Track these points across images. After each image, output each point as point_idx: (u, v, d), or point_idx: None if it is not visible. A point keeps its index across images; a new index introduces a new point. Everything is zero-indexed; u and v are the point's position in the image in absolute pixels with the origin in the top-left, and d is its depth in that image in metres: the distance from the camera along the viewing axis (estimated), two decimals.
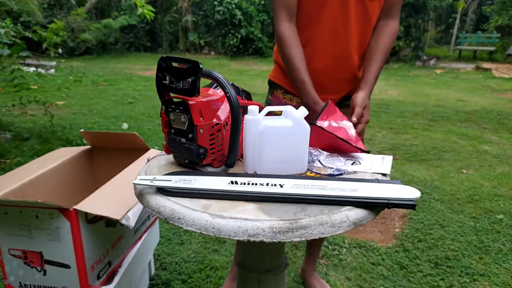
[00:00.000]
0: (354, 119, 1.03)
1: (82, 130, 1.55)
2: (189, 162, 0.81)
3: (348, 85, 1.25)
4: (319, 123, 0.95)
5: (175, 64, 0.74)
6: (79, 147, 1.56)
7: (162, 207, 0.65)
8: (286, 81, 1.26)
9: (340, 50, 1.15)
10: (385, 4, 1.15)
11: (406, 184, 0.68)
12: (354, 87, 1.24)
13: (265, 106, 0.82)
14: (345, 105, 1.26)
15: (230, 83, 0.77)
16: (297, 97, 1.26)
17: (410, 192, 0.66)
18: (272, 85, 1.33)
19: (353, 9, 1.10)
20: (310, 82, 1.10)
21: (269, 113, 0.79)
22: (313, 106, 1.09)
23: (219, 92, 0.84)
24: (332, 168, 0.83)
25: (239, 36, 11.20)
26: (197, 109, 0.75)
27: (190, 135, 0.76)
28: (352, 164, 0.86)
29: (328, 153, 0.93)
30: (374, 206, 0.65)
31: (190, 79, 0.71)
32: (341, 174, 0.80)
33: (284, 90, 1.28)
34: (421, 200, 2.39)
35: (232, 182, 0.70)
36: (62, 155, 1.45)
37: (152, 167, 0.84)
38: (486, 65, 9.39)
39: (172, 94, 0.78)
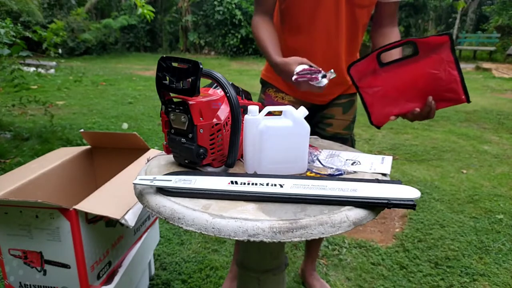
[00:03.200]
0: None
1: (82, 130, 1.55)
2: (189, 162, 0.81)
3: (338, 88, 1.27)
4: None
5: (175, 64, 0.74)
6: (79, 147, 1.56)
7: (162, 207, 0.65)
8: (278, 79, 1.26)
9: (331, 56, 1.16)
10: (386, 13, 1.17)
11: (406, 184, 0.68)
12: (343, 89, 1.28)
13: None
14: (334, 104, 1.27)
15: (230, 83, 0.77)
16: (289, 96, 1.27)
17: (410, 192, 0.66)
18: (264, 83, 1.33)
19: (344, 16, 1.11)
20: (274, 48, 1.05)
21: (269, 113, 0.79)
22: (284, 68, 0.97)
23: (219, 92, 0.84)
24: (332, 168, 0.83)
25: (239, 36, 11.20)
26: (197, 109, 0.75)
27: (190, 135, 0.76)
28: (352, 164, 0.86)
29: (328, 153, 0.93)
30: (374, 206, 0.65)
31: (190, 79, 0.71)
32: (341, 174, 0.80)
33: (276, 88, 1.28)
34: (421, 200, 2.39)
35: (232, 182, 0.70)
36: (62, 155, 1.45)
37: (152, 167, 0.84)
38: (486, 65, 9.38)
39: (172, 94, 0.78)
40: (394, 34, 1.19)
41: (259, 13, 1.14)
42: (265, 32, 1.10)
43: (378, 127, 1.00)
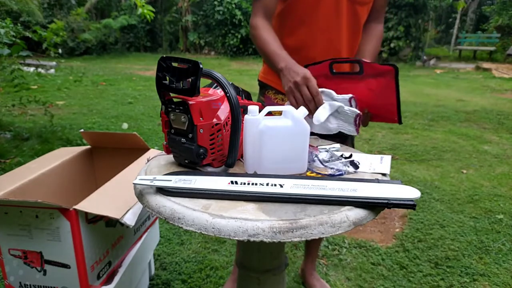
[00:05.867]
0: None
1: (82, 130, 1.55)
2: (189, 162, 0.81)
3: None
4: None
5: (175, 64, 0.74)
6: (79, 147, 1.56)
7: (162, 207, 0.65)
8: (277, 81, 1.26)
9: (331, 52, 1.16)
10: (374, 7, 1.18)
11: (406, 184, 0.68)
12: None
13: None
14: None
15: (230, 83, 0.77)
16: None
17: (410, 192, 0.65)
18: (263, 86, 1.33)
19: (345, 12, 1.12)
20: (284, 51, 1.06)
21: (269, 113, 0.79)
22: (294, 68, 0.99)
23: (219, 92, 0.84)
24: (332, 168, 0.83)
25: (239, 36, 11.21)
26: (197, 109, 0.75)
27: (190, 135, 0.76)
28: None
29: (328, 153, 0.93)
30: (374, 206, 0.65)
31: (190, 79, 0.71)
32: (341, 174, 0.80)
33: (276, 90, 1.28)
34: (421, 200, 2.39)
35: (232, 182, 0.70)
36: (62, 155, 1.45)
37: (152, 167, 0.84)
38: (486, 65, 9.38)
39: (172, 94, 0.78)
40: (376, 30, 1.21)
41: (260, 15, 1.12)
42: (269, 33, 1.08)
43: None
